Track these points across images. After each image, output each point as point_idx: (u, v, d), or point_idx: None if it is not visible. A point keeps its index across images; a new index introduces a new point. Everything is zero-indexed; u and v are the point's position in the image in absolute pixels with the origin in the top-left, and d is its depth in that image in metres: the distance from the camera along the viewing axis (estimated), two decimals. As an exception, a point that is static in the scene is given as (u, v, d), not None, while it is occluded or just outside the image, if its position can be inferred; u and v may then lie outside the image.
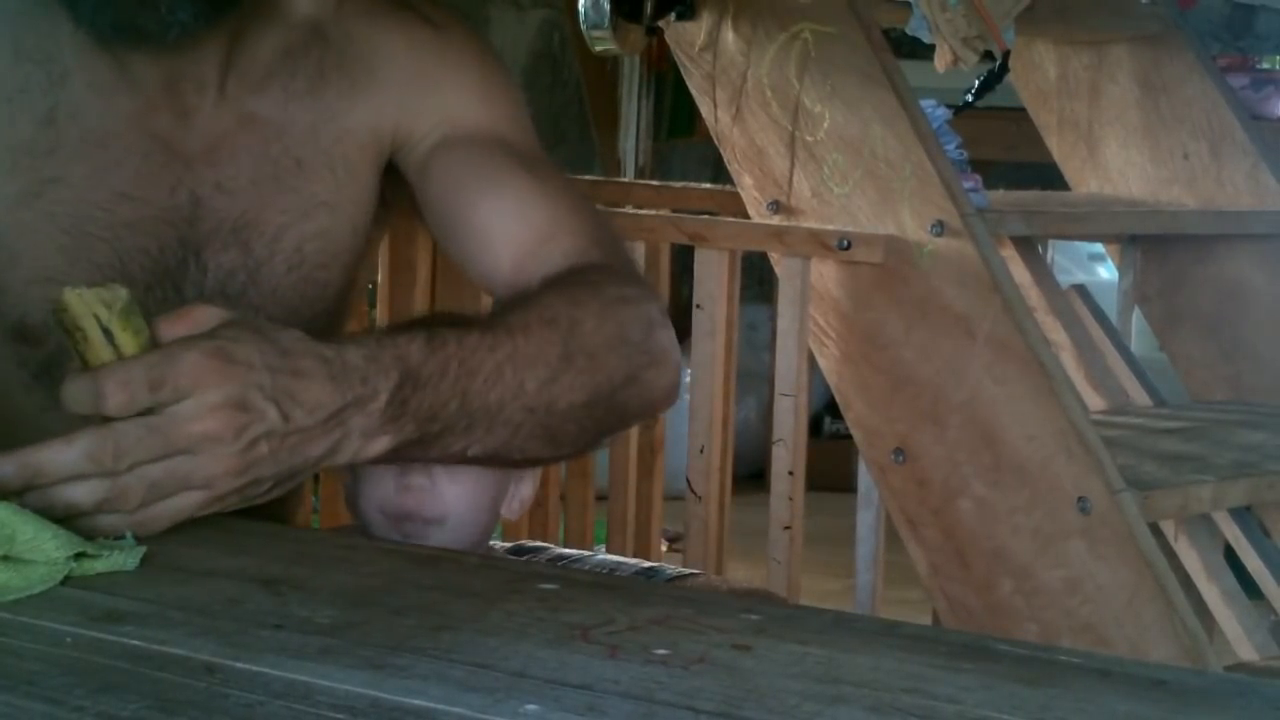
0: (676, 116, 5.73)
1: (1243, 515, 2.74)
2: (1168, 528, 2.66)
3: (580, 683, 0.91)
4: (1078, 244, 4.99)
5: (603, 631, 1.00)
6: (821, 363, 2.71)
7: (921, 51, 2.66)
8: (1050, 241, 4.31)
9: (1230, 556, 2.74)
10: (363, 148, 1.53)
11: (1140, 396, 2.98)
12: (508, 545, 1.85)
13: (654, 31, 2.88)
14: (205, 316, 1.17)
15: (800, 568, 2.74)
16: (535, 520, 3.11)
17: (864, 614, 2.63)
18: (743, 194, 2.79)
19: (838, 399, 2.70)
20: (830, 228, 2.61)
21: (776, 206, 2.71)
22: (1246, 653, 2.62)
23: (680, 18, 2.79)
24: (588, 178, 3.98)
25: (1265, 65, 3.69)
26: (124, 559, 1.10)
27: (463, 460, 1.28)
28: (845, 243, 2.57)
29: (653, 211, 3.23)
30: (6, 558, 1.05)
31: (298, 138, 1.50)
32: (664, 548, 3.36)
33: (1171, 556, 2.58)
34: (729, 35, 2.74)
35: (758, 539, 2.77)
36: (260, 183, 1.49)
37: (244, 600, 1.05)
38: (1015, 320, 2.45)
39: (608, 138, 5.74)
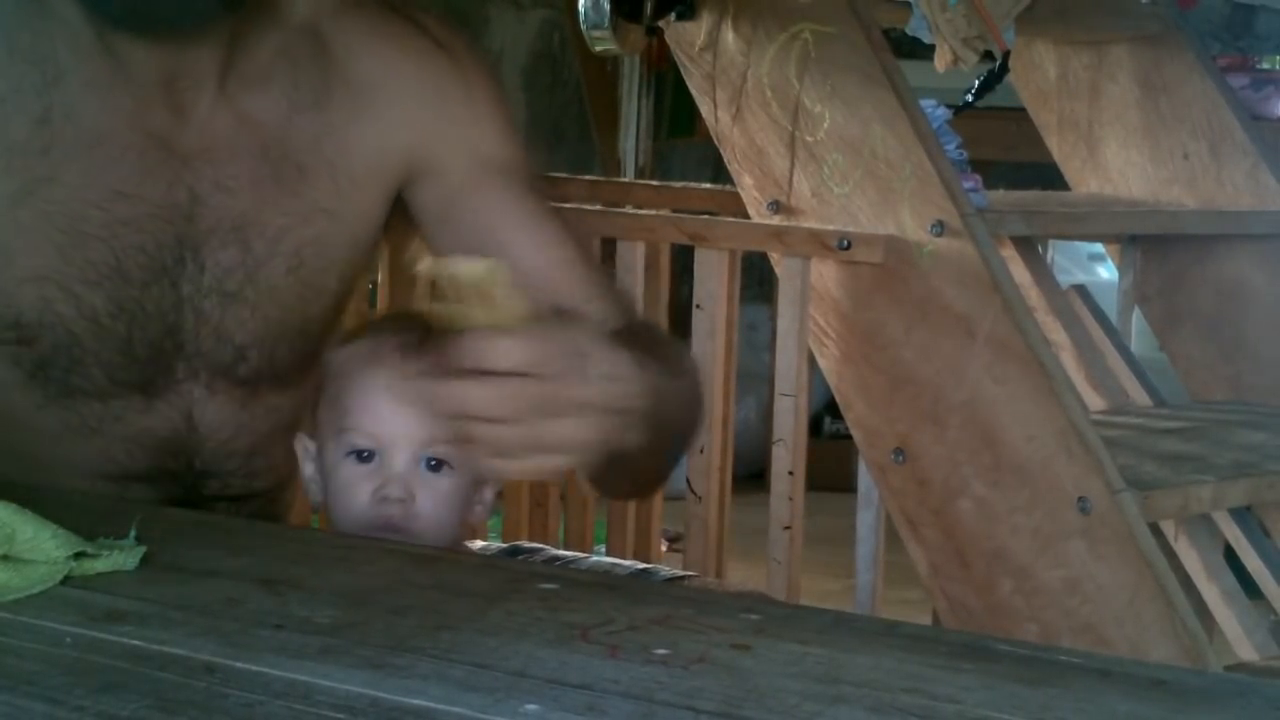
0: (676, 116, 5.73)
1: (1243, 515, 2.74)
2: (1168, 528, 2.66)
3: (580, 683, 0.91)
4: (1078, 244, 4.99)
5: (603, 631, 1.00)
6: (821, 363, 2.71)
7: (921, 51, 2.66)
8: (1050, 241, 4.31)
9: (1230, 556, 2.74)
10: (368, 164, 1.53)
11: (1140, 396, 2.98)
12: (504, 546, 1.85)
13: (654, 31, 2.88)
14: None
15: (800, 568, 2.74)
16: (535, 520, 3.11)
17: (864, 614, 2.63)
18: (743, 194, 2.79)
19: (838, 399, 2.70)
20: (830, 228, 2.61)
21: (776, 206, 2.71)
22: (1246, 653, 2.62)
23: (680, 18, 2.79)
24: (588, 178, 3.98)
25: (1265, 65, 3.69)
26: (124, 559, 1.11)
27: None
28: (845, 243, 2.57)
29: (653, 211, 3.23)
30: (6, 558, 1.05)
31: (300, 145, 1.50)
32: (664, 548, 3.35)
33: (1171, 556, 2.58)
34: (729, 35, 2.74)
35: (758, 539, 2.77)
36: (260, 183, 1.49)
37: (244, 600, 1.05)
38: (1015, 320, 2.45)
39: (608, 138, 5.74)
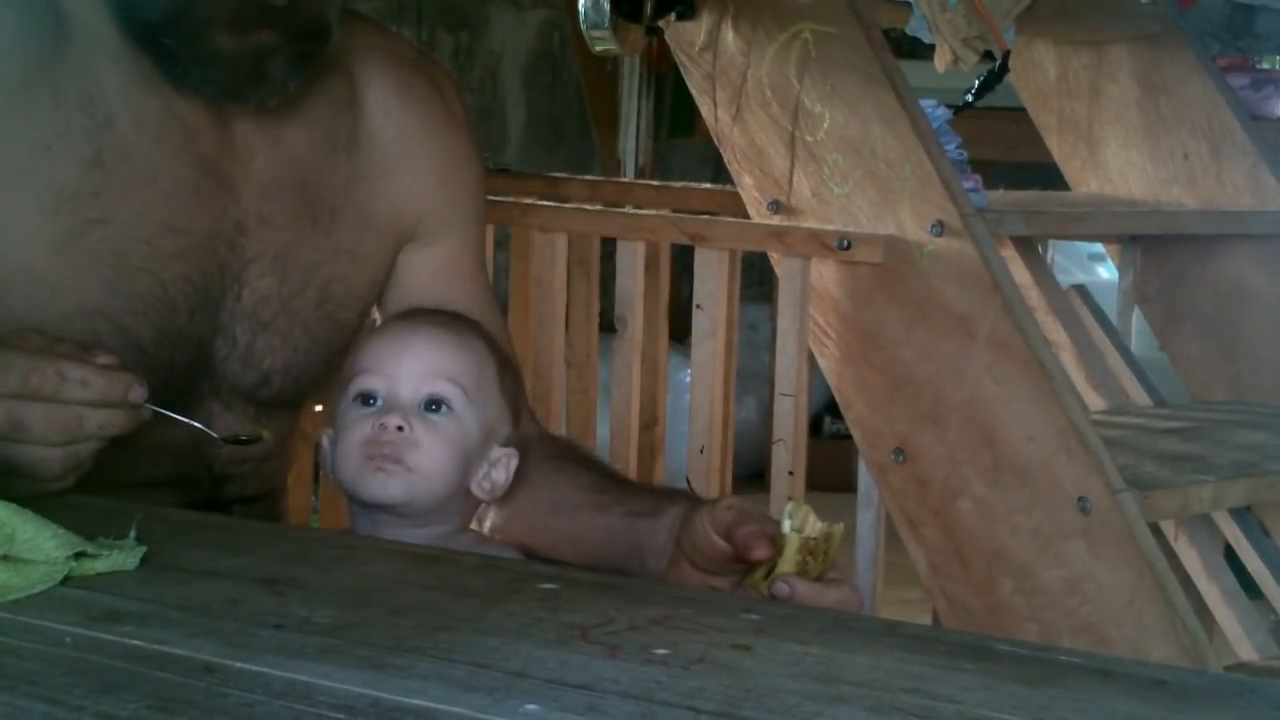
0: (676, 116, 5.73)
1: (1243, 515, 2.74)
2: (1168, 528, 2.66)
3: (580, 683, 0.91)
4: (1078, 244, 4.99)
5: (603, 631, 1.00)
6: (821, 363, 2.71)
7: (921, 51, 2.66)
8: (1050, 241, 4.31)
9: (1230, 556, 2.74)
10: (389, 219, 1.63)
11: (1140, 396, 2.98)
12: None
13: (654, 31, 2.88)
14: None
15: (800, 568, 2.74)
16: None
17: (864, 614, 2.63)
18: (743, 194, 2.79)
19: (838, 399, 2.70)
20: (830, 228, 2.61)
21: (776, 206, 2.71)
22: (1246, 653, 2.62)
23: (680, 18, 2.79)
24: (587, 178, 3.98)
25: (1265, 65, 3.69)
26: (124, 559, 1.11)
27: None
28: (845, 243, 2.57)
29: (653, 211, 3.23)
30: (6, 558, 1.05)
31: (333, 186, 1.58)
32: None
33: (1171, 556, 2.58)
34: (729, 35, 2.74)
35: (758, 539, 2.77)
36: (299, 218, 1.55)
37: (244, 600, 1.05)
38: (1015, 320, 2.45)
39: (608, 138, 5.74)
